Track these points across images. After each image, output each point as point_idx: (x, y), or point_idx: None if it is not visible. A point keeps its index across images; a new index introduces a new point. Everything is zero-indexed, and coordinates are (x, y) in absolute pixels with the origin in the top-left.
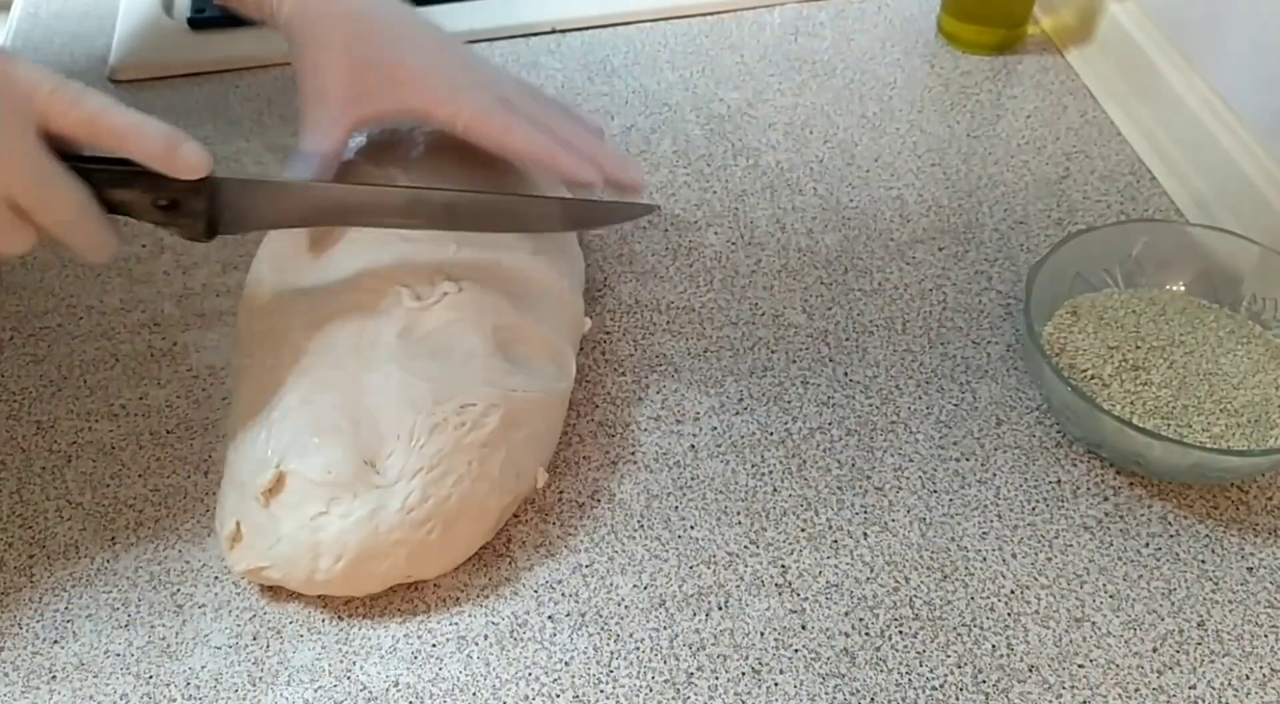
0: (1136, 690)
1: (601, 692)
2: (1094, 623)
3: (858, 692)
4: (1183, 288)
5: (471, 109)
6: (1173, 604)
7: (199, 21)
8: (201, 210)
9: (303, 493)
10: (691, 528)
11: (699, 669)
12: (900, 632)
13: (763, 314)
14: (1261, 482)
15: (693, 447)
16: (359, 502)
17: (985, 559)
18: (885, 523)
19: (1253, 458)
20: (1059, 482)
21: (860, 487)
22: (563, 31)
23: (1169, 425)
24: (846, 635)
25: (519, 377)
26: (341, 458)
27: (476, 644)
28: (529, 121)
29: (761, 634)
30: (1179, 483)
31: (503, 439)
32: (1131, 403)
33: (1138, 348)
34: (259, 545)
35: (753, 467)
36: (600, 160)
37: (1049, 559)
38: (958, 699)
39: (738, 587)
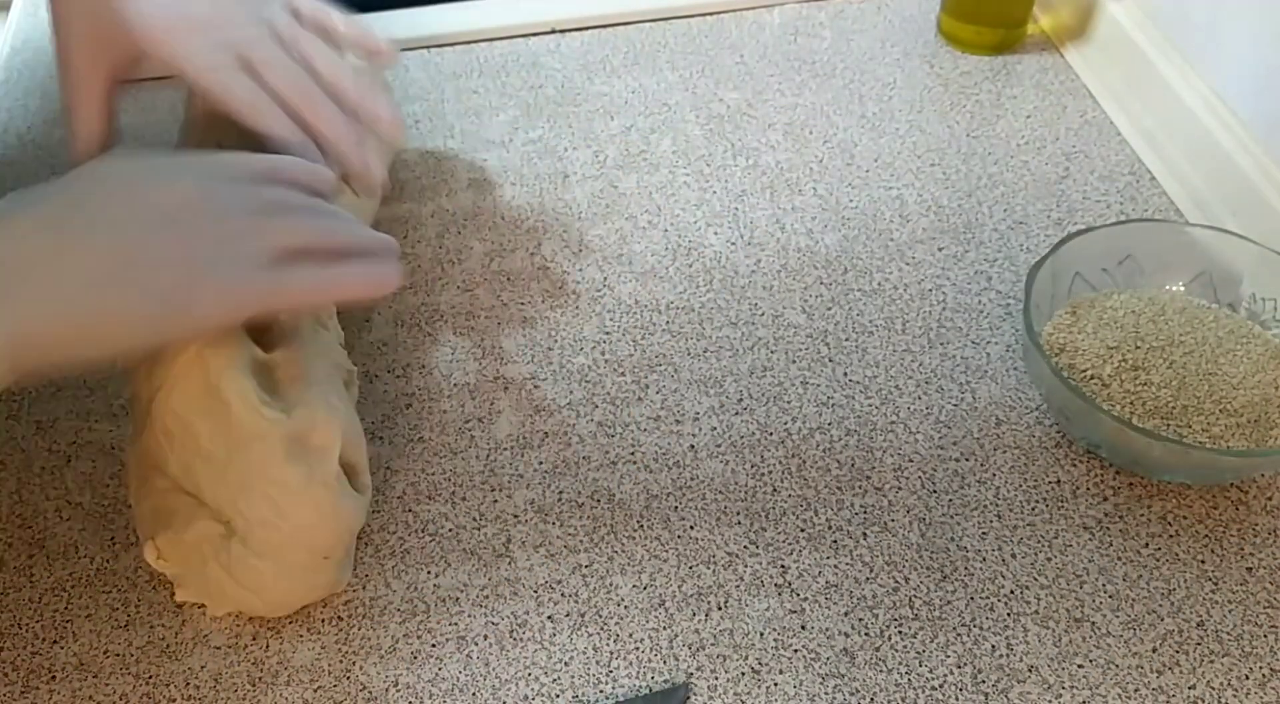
0: (1136, 690)
1: (601, 692)
2: (1094, 623)
3: (858, 692)
4: (1182, 288)
5: (198, 62)
6: (1172, 604)
7: None
8: None
9: (188, 556)
10: (691, 528)
11: (699, 669)
12: (900, 632)
13: (763, 314)
14: (1261, 482)
15: (692, 447)
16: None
17: (985, 559)
18: (885, 523)
19: (1252, 458)
20: (1059, 482)
21: (860, 487)
22: (563, 31)
23: (1169, 425)
24: (846, 635)
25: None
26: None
27: (476, 644)
28: (264, 90)
29: (761, 634)
30: (1179, 483)
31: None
32: (1131, 403)
33: (1137, 348)
34: (193, 587)
35: (752, 467)
36: (343, 148)
37: (1049, 559)
38: (957, 699)
39: (737, 587)
